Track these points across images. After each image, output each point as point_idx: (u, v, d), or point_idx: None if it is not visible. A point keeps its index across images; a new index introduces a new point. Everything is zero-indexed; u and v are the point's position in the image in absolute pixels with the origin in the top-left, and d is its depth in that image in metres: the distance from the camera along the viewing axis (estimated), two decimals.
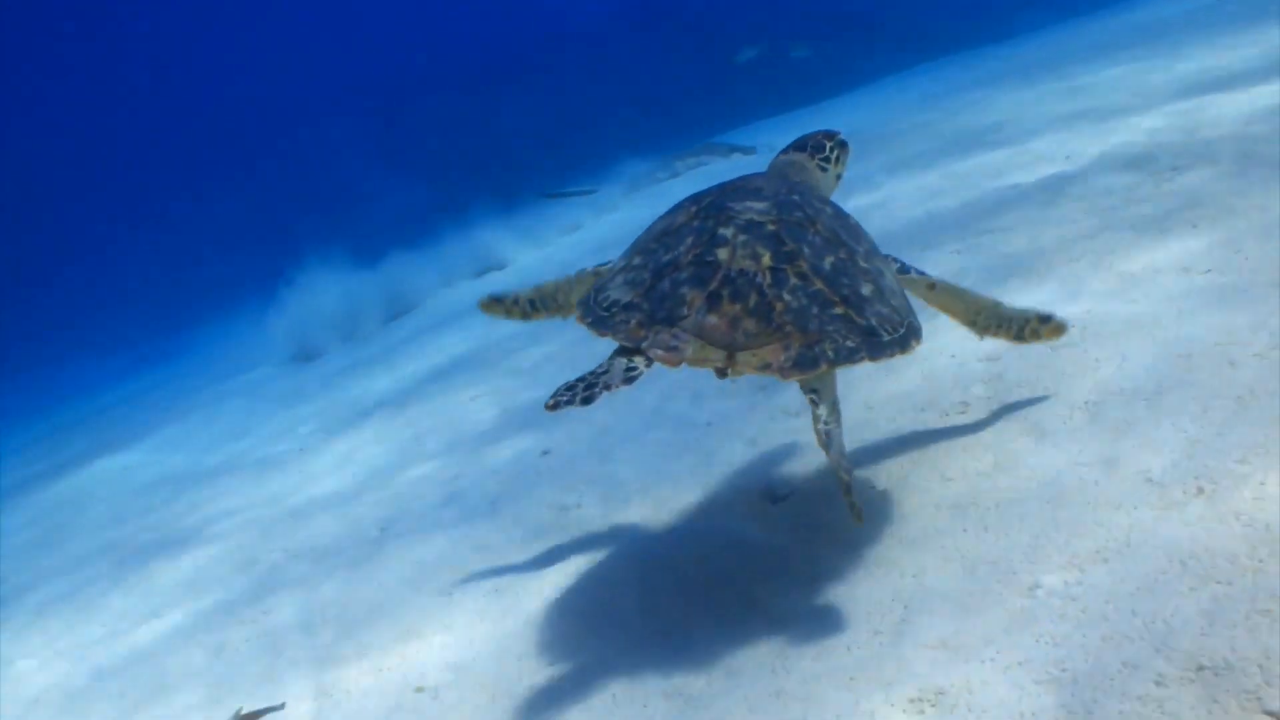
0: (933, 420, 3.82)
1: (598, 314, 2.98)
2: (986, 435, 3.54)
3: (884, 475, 3.57)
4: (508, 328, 8.63)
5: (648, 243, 3.15)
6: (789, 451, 4.08)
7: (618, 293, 3.00)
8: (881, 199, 7.48)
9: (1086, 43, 12.76)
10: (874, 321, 2.87)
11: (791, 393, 4.51)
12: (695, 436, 4.67)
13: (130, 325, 25.82)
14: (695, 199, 3.23)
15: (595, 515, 4.24)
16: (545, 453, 5.24)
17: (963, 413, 3.79)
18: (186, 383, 13.86)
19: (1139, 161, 5.96)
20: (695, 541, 3.67)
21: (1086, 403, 3.48)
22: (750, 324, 2.77)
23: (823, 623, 2.94)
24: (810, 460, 3.91)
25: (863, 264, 3.01)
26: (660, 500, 4.13)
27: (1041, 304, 4.45)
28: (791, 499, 3.74)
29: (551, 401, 2.76)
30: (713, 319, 2.77)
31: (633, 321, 2.87)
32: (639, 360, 2.81)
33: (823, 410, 2.88)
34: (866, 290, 2.93)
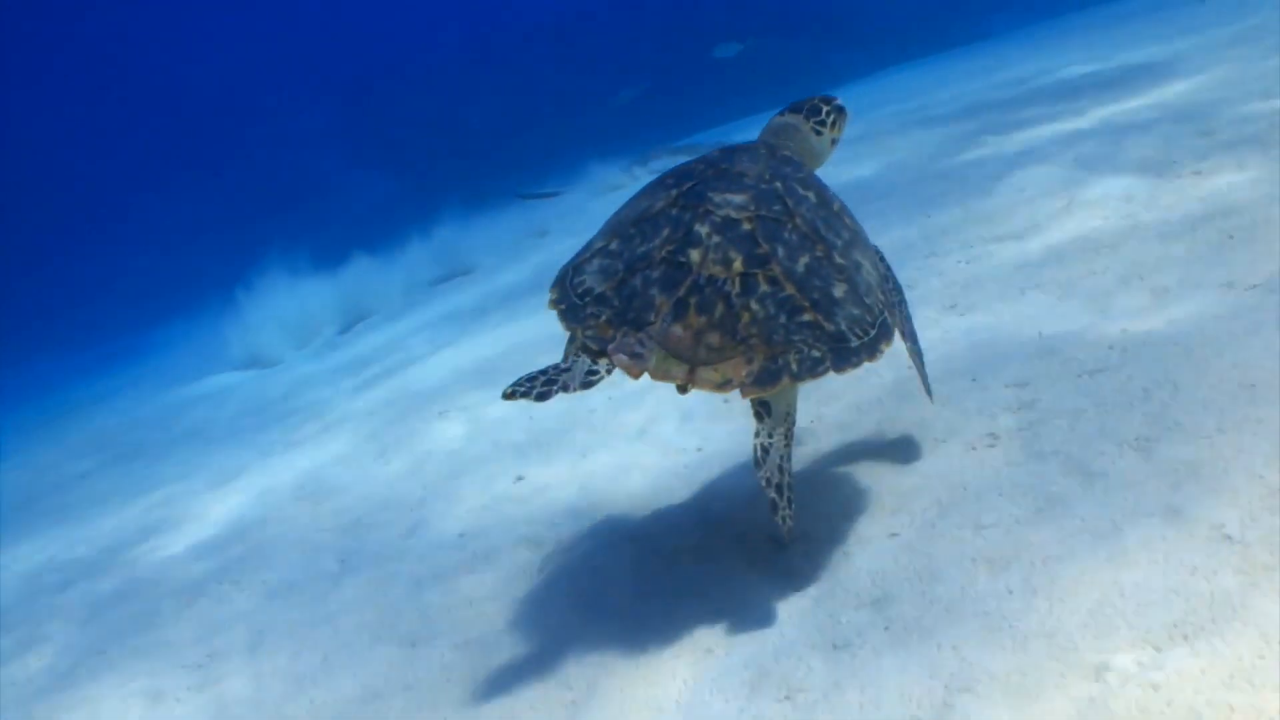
0: (956, 454, 3.40)
1: (571, 300, 2.96)
2: (1023, 475, 3.12)
3: (906, 520, 3.15)
4: (476, 338, 8.21)
5: (626, 225, 3.08)
6: (795, 484, 3.62)
7: (592, 279, 2.97)
8: (880, 207, 7.08)
9: (1078, 40, 12.43)
10: (844, 326, 2.83)
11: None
12: (686, 464, 4.24)
13: (99, 321, 25.24)
14: (678, 178, 3.15)
15: (575, 558, 3.78)
16: (519, 478, 4.78)
17: (991, 446, 3.36)
18: (150, 386, 13.28)
19: (1155, 164, 5.58)
20: (693, 596, 3.22)
21: (1138, 439, 3.06)
22: (714, 338, 2.73)
23: (849, 705, 2.51)
24: (821, 495, 3.48)
25: (839, 260, 2.94)
26: (650, 541, 3.67)
27: (1067, 317, 4.10)
28: (801, 543, 3.30)
29: (509, 390, 2.79)
30: (677, 330, 2.74)
31: (602, 318, 2.84)
32: (601, 364, 2.80)
33: (766, 424, 2.86)
34: (839, 291, 2.87)
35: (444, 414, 6.31)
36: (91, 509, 7.37)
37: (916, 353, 3.37)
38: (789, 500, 2.83)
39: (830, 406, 4.11)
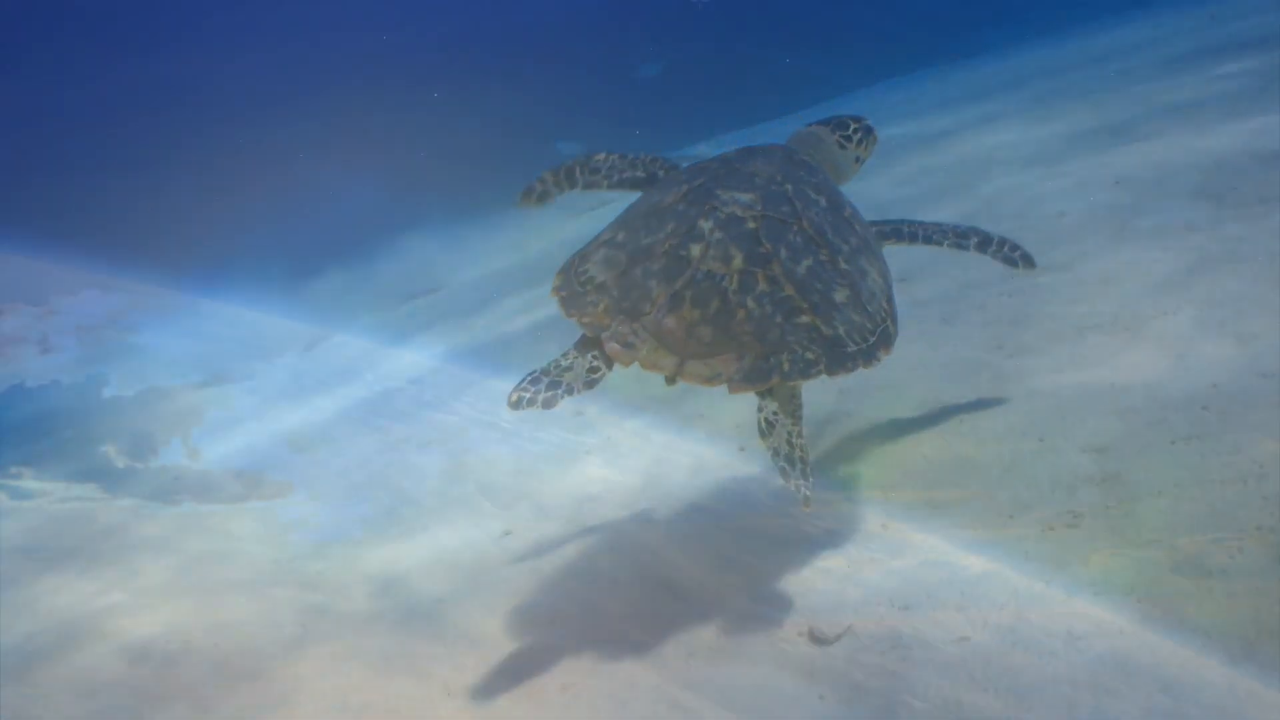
0: (1031, 536, 2.86)
1: (573, 288, 2.95)
2: (1121, 568, 2.58)
3: (977, 619, 2.61)
4: (456, 359, 7.61)
5: (635, 218, 3.06)
6: (838, 566, 3.08)
7: (595, 269, 2.95)
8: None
9: (1079, 54, 11.95)
10: (841, 331, 2.80)
11: (827, 470, 3.55)
12: (701, 528, 3.69)
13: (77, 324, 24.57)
14: (691, 175, 3.13)
15: (569, 651, 3.19)
16: (506, 533, 4.22)
17: (1073, 526, 2.83)
18: (116, 400, 12.62)
19: (1211, 190, 5.07)
20: (720, 707, 2.67)
21: (1259, 528, 2.54)
22: (706, 332, 2.72)
23: None
24: (867, 579, 2.93)
25: (843, 265, 2.90)
26: (661, 629, 3.12)
27: (1140, 366, 3.58)
28: (845, 640, 2.76)
29: (514, 397, 2.77)
30: (670, 322, 2.74)
31: (601, 305, 2.85)
32: (601, 361, 2.80)
33: (771, 403, 2.79)
34: (840, 296, 2.84)
35: (423, 447, 5.74)
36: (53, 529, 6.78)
37: (983, 243, 3.65)
38: (801, 471, 2.71)
39: (873, 469, 3.57)
